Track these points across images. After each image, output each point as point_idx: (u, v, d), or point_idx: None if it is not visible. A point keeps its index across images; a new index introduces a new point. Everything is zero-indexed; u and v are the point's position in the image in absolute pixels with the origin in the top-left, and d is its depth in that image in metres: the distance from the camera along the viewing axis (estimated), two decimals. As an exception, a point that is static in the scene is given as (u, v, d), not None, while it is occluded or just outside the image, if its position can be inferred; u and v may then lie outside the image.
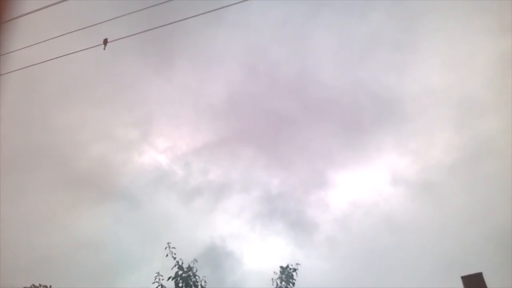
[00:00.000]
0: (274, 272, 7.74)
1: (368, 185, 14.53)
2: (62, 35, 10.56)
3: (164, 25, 9.69)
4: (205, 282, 7.69)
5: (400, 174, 14.23)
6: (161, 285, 7.70)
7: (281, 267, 7.75)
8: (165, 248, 7.88)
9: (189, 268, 7.71)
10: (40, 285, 7.78)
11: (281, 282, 7.62)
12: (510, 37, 12.66)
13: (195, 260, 7.80)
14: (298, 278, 7.74)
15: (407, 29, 14.49)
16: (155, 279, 7.72)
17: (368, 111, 15.09)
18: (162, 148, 15.35)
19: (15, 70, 9.47)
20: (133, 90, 15.19)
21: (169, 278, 7.71)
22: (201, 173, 14.98)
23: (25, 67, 10.07)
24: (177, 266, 7.77)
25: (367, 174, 14.65)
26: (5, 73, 8.98)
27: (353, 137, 15.17)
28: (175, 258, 7.82)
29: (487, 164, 12.57)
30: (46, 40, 10.57)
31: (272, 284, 7.65)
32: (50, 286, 7.83)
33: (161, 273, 7.83)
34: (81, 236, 12.39)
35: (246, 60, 15.56)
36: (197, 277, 7.67)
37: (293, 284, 7.64)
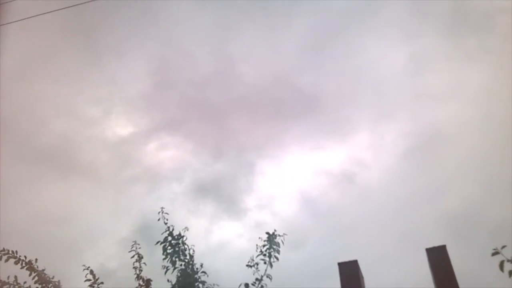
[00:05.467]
0: (259, 238, 7.62)
1: (297, 173, 15.10)
2: None
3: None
4: (193, 251, 7.69)
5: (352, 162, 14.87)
6: (138, 253, 7.72)
7: (268, 233, 7.63)
8: (158, 212, 7.89)
9: (180, 236, 7.72)
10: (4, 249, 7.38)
11: (265, 250, 7.51)
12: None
13: (186, 228, 7.81)
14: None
15: (332, 30, 15.31)
16: (131, 248, 7.74)
17: (290, 105, 15.88)
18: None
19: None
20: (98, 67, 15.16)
21: (157, 243, 7.71)
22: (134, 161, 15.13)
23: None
24: (167, 232, 7.78)
25: (295, 162, 15.28)
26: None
27: (276, 129, 15.84)
28: (166, 224, 7.84)
29: (438, 150, 13.49)
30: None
31: (257, 250, 7.56)
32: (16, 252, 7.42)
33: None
34: (43, 211, 12.35)
35: (166, 53, 16.05)
36: (185, 245, 7.69)
37: (278, 252, 7.51)
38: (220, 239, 12.48)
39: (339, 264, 7.56)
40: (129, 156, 15.10)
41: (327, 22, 15.49)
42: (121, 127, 15.56)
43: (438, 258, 7.00)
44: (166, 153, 15.52)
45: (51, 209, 12.66)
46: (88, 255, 11.27)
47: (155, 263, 7.96)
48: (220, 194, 14.32)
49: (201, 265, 7.63)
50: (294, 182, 14.82)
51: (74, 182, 13.81)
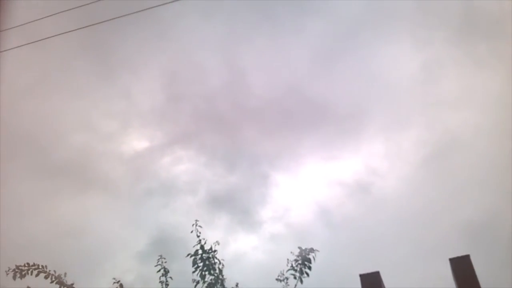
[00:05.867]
0: (291, 253, 7.64)
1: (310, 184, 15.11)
2: (41, 18, 10.67)
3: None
4: (223, 265, 7.74)
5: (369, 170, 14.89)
6: (164, 268, 7.84)
7: (300, 247, 7.63)
8: (192, 225, 7.95)
9: (212, 250, 7.78)
10: (35, 264, 7.54)
11: (296, 265, 7.55)
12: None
13: (217, 242, 7.87)
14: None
15: (342, 39, 15.43)
16: (157, 262, 7.87)
17: (302, 115, 15.90)
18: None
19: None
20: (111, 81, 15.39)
21: (187, 255, 7.78)
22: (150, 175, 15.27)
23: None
24: (199, 245, 7.85)
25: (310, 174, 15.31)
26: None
27: (289, 140, 15.87)
28: (198, 237, 7.90)
29: (454, 158, 13.52)
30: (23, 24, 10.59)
31: (287, 265, 7.61)
32: (45, 266, 7.61)
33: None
34: (62, 224, 12.50)
35: (177, 66, 16.12)
36: (216, 259, 7.74)
37: (309, 268, 7.55)
38: (236, 251, 12.52)
39: (361, 276, 7.54)
40: (144, 169, 15.23)
41: (337, 31, 15.61)
42: (136, 141, 15.72)
43: (462, 268, 7.01)
44: (180, 166, 15.61)
45: (70, 222, 12.85)
46: (105, 268, 11.44)
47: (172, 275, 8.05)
48: (235, 206, 14.35)
49: (237, 285, 7.70)
50: (308, 193, 14.84)
51: (92, 195, 13.99)
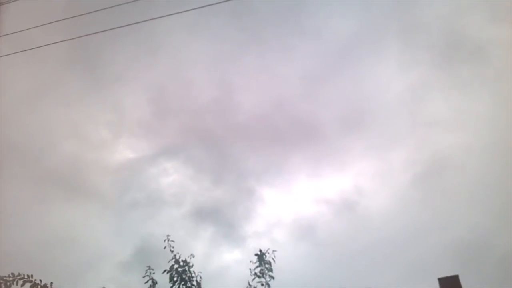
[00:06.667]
0: (251, 261, 7.66)
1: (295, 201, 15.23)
2: (33, 27, 10.70)
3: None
4: (200, 277, 7.72)
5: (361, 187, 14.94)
6: (152, 279, 7.77)
7: (257, 254, 7.65)
8: (164, 240, 7.88)
9: (186, 263, 7.72)
10: (20, 274, 7.41)
11: (259, 271, 7.57)
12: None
13: (192, 255, 7.82)
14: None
15: (331, 61, 15.67)
16: (145, 273, 7.79)
17: (290, 133, 16.20)
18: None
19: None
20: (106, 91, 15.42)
21: (164, 271, 7.73)
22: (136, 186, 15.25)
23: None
24: (173, 260, 7.78)
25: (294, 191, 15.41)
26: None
27: (276, 157, 16.08)
28: (172, 252, 7.84)
29: (442, 178, 13.67)
30: (14, 32, 10.59)
31: (251, 274, 7.59)
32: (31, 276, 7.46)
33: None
34: (49, 232, 12.61)
35: (167, 82, 16.44)
36: (192, 272, 7.71)
37: (271, 270, 7.55)
38: (219, 264, 12.50)
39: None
40: (131, 180, 15.23)
41: (325, 52, 15.88)
42: (124, 152, 15.77)
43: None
44: (167, 178, 15.62)
45: (57, 230, 13.07)
46: (89, 276, 11.37)
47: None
48: (219, 219, 14.38)
49: None
50: (294, 209, 14.89)
51: (79, 204, 14.19)
